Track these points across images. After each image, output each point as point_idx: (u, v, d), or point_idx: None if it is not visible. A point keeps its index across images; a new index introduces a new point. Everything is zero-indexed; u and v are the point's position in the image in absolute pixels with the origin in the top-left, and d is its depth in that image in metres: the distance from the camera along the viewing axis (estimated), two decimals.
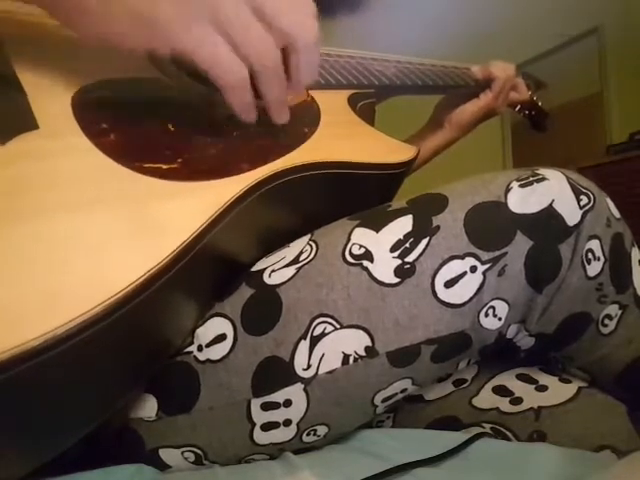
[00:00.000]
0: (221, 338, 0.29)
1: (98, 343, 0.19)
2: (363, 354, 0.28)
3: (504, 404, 0.33)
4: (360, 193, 0.38)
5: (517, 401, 0.33)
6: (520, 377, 0.35)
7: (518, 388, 0.34)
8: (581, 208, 0.30)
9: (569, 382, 0.34)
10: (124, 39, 0.25)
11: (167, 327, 0.27)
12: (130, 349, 0.23)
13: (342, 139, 0.38)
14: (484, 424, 0.33)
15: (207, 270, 0.29)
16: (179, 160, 0.27)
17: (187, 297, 0.27)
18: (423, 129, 0.65)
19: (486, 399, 0.34)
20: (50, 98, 0.27)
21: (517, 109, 0.74)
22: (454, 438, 0.30)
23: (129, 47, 0.25)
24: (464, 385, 0.36)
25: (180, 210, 0.24)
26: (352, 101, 0.45)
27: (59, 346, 0.17)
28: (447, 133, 0.62)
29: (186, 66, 0.37)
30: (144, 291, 0.20)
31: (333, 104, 0.43)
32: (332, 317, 0.29)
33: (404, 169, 0.39)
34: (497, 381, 0.35)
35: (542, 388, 0.33)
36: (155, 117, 0.30)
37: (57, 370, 0.18)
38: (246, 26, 0.25)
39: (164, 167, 0.26)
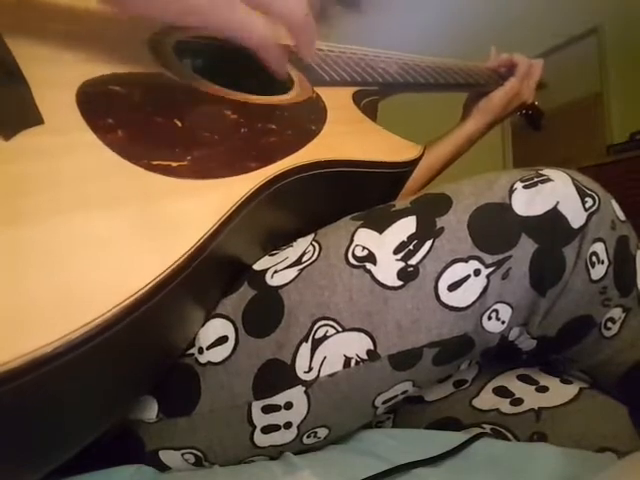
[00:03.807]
0: (222, 340, 0.29)
1: (112, 348, 0.19)
2: (365, 357, 0.28)
3: (504, 405, 0.33)
4: (365, 191, 0.38)
5: (517, 402, 0.33)
6: (521, 378, 0.35)
7: (519, 389, 0.34)
8: (586, 210, 0.29)
9: (570, 383, 0.34)
10: (165, 14, 0.29)
11: (179, 328, 0.26)
12: (143, 353, 0.23)
13: (349, 136, 0.38)
14: (484, 425, 0.33)
15: (218, 270, 0.28)
16: (188, 158, 0.27)
17: (199, 297, 0.27)
18: (454, 127, 0.66)
19: (486, 400, 0.34)
20: (54, 92, 0.26)
21: None
22: (454, 438, 0.30)
23: (169, 20, 0.30)
24: (464, 386, 0.36)
25: (192, 209, 0.24)
26: (356, 98, 0.45)
27: (73, 352, 0.16)
28: (478, 120, 0.63)
29: (191, 61, 0.37)
30: (160, 292, 0.20)
31: (338, 101, 0.42)
32: (334, 320, 0.28)
33: (410, 168, 0.39)
34: (497, 382, 0.35)
35: (543, 389, 0.33)
36: (161, 112, 0.29)
37: (70, 377, 0.18)
38: None
39: (174, 165, 0.26)
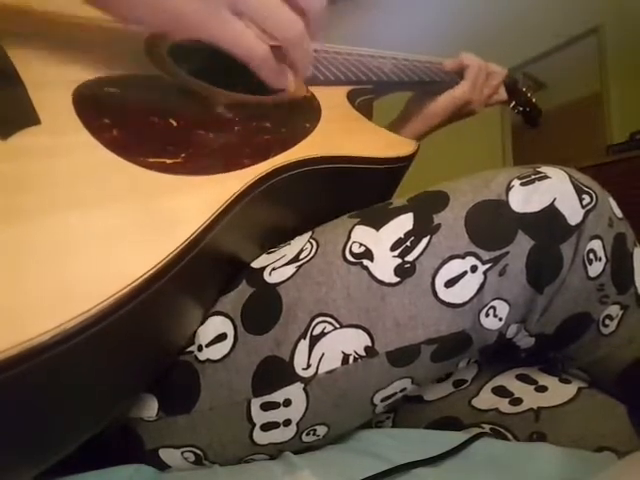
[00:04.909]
0: (221, 337, 0.29)
1: (109, 338, 0.19)
2: (363, 354, 0.28)
3: (504, 405, 0.33)
4: (361, 188, 0.38)
5: (517, 402, 0.33)
6: (520, 378, 0.35)
7: (518, 389, 0.34)
8: (583, 207, 0.29)
9: (569, 382, 0.34)
10: (154, 26, 0.29)
11: (176, 323, 0.27)
12: (140, 345, 0.23)
13: (343, 134, 0.38)
14: (484, 425, 0.33)
15: (214, 265, 0.29)
16: (183, 155, 0.27)
17: (196, 292, 0.27)
18: (391, 124, 0.60)
19: (486, 400, 0.34)
20: (51, 93, 0.27)
21: (512, 106, 0.76)
22: (454, 438, 0.30)
23: (160, 31, 0.29)
24: (464, 386, 0.36)
25: (187, 204, 0.24)
26: (351, 97, 0.45)
27: (70, 340, 0.17)
28: (415, 125, 0.57)
29: (186, 63, 0.37)
30: (154, 284, 0.20)
31: (333, 100, 0.43)
32: (332, 316, 0.28)
33: (405, 164, 0.39)
34: (497, 382, 0.35)
35: (542, 389, 0.33)
36: (157, 112, 0.30)
37: (67, 367, 0.18)
38: (266, 6, 0.28)
39: (168, 162, 0.26)
